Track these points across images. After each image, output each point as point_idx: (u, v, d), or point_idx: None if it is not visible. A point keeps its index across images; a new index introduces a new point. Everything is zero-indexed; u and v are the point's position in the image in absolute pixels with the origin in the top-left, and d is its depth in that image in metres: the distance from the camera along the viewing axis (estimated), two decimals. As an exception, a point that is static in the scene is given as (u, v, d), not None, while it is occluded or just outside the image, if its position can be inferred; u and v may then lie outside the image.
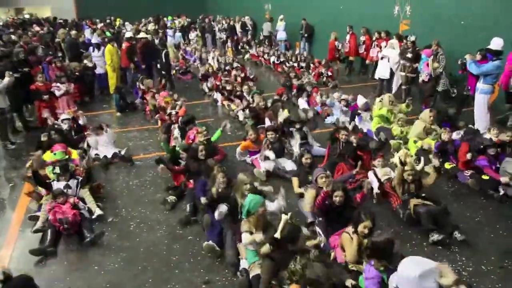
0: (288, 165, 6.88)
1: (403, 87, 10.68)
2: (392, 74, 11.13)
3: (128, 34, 13.15)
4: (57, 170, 5.89)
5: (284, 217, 4.22)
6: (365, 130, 8.60)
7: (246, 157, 7.40)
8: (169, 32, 20.93)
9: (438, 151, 6.79)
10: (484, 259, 4.69)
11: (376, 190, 5.87)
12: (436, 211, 5.13)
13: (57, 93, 9.59)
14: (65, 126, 7.87)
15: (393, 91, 10.79)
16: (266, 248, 4.15)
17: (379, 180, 5.81)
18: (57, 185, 5.75)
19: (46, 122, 8.57)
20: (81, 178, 6.00)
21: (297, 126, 7.64)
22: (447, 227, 5.02)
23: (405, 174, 5.50)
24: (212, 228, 5.00)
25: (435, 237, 4.92)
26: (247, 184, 5.07)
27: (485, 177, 6.21)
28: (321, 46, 16.58)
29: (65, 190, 5.66)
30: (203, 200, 5.22)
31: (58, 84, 9.72)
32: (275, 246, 4.12)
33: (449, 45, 10.12)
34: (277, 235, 4.11)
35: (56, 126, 7.88)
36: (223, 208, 4.96)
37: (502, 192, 5.95)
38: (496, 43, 7.84)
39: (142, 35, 13.12)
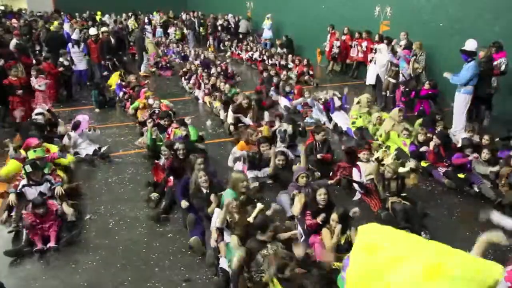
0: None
1: (392, 95, 10.12)
2: (378, 79, 10.60)
3: (92, 31, 12.91)
4: (28, 168, 5.42)
5: (259, 206, 4.52)
6: (344, 129, 8.68)
7: (239, 163, 6.94)
8: (148, 28, 20.67)
9: (413, 152, 6.97)
10: (459, 256, 4.81)
11: (358, 189, 5.99)
12: (410, 209, 5.29)
13: (40, 87, 9.24)
14: (40, 120, 7.63)
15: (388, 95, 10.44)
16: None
17: (359, 183, 5.92)
18: (30, 192, 5.39)
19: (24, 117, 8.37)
20: (54, 181, 5.63)
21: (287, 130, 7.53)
22: (417, 225, 5.14)
23: (385, 171, 5.60)
24: (196, 228, 4.98)
25: None
26: (244, 181, 5.05)
27: (460, 175, 6.37)
28: (303, 44, 16.69)
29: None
30: (183, 204, 5.28)
31: (40, 79, 9.34)
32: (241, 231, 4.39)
33: (427, 47, 10.31)
34: (250, 219, 4.40)
35: (34, 121, 7.63)
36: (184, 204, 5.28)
37: (477, 190, 6.12)
38: (470, 45, 8.04)
39: (103, 29, 12.87)
